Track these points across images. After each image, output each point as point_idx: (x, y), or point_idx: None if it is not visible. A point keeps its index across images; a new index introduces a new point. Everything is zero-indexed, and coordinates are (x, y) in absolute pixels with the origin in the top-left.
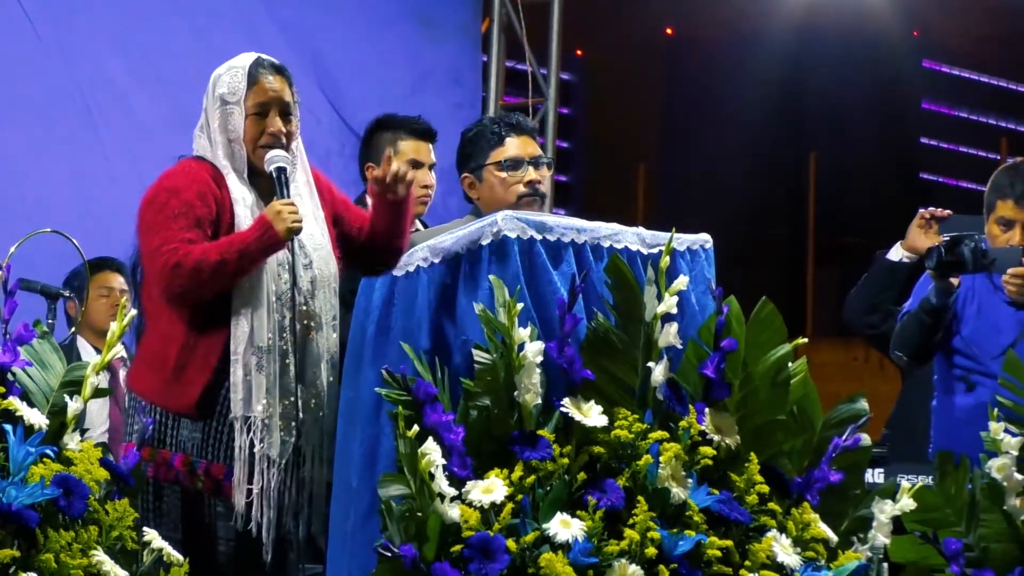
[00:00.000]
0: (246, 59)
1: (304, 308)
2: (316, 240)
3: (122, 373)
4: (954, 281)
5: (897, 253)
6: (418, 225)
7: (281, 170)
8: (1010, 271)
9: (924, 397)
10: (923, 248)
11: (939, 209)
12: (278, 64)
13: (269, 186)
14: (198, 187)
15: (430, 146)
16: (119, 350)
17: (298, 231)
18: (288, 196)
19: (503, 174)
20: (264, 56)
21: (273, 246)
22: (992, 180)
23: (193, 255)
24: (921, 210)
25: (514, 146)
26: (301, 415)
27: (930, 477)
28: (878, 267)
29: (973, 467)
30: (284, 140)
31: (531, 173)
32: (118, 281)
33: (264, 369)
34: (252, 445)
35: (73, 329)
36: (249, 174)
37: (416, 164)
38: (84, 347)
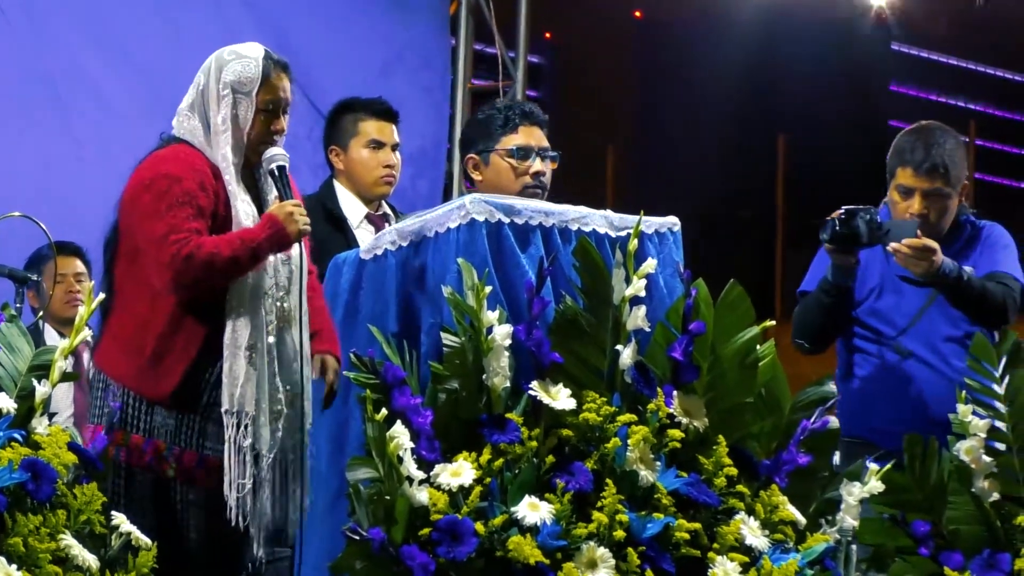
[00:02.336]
0: (256, 50)
1: (281, 304)
2: None
3: (85, 356)
4: (852, 260)
5: None
6: (385, 208)
7: (282, 168)
8: (904, 241)
9: None
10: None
11: None
12: (285, 62)
13: (253, 180)
14: (198, 176)
15: (393, 127)
16: (86, 334)
17: (308, 233)
18: (291, 195)
19: (512, 161)
20: (269, 50)
21: (283, 246)
22: (894, 144)
23: (205, 248)
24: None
25: (526, 135)
26: (284, 409)
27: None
28: None
29: (941, 448)
30: (279, 137)
31: (538, 164)
32: (73, 265)
33: (255, 364)
34: (242, 440)
35: (41, 314)
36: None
37: (378, 144)
38: (49, 332)
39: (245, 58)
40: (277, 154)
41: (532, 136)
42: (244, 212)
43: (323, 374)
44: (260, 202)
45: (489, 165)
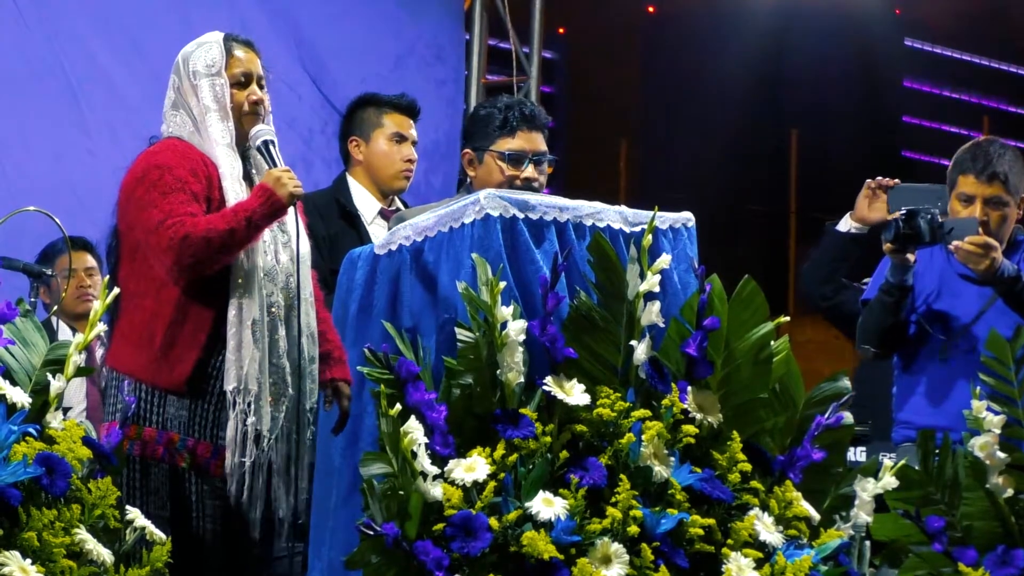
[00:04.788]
0: (215, 35)
1: (287, 285)
2: (291, 219)
3: (99, 352)
4: (910, 257)
5: (846, 224)
6: (398, 203)
7: (268, 142)
8: (966, 238)
9: (882, 376)
10: (871, 219)
11: (884, 178)
12: (247, 38)
13: (244, 164)
14: (189, 164)
15: (413, 123)
16: (101, 328)
17: (300, 196)
18: (281, 165)
19: (503, 165)
20: (229, 32)
21: (277, 212)
22: (955, 157)
23: (201, 226)
24: (868, 180)
25: (522, 140)
26: (289, 390)
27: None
28: (828, 239)
29: (955, 445)
30: (262, 110)
31: (530, 170)
32: (83, 260)
33: (258, 344)
34: (244, 419)
35: (55, 308)
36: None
37: (400, 138)
38: (61, 328)
39: (206, 43)
40: (263, 130)
41: (529, 141)
42: (234, 192)
43: (336, 400)
44: (252, 183)
45: (483, 164)
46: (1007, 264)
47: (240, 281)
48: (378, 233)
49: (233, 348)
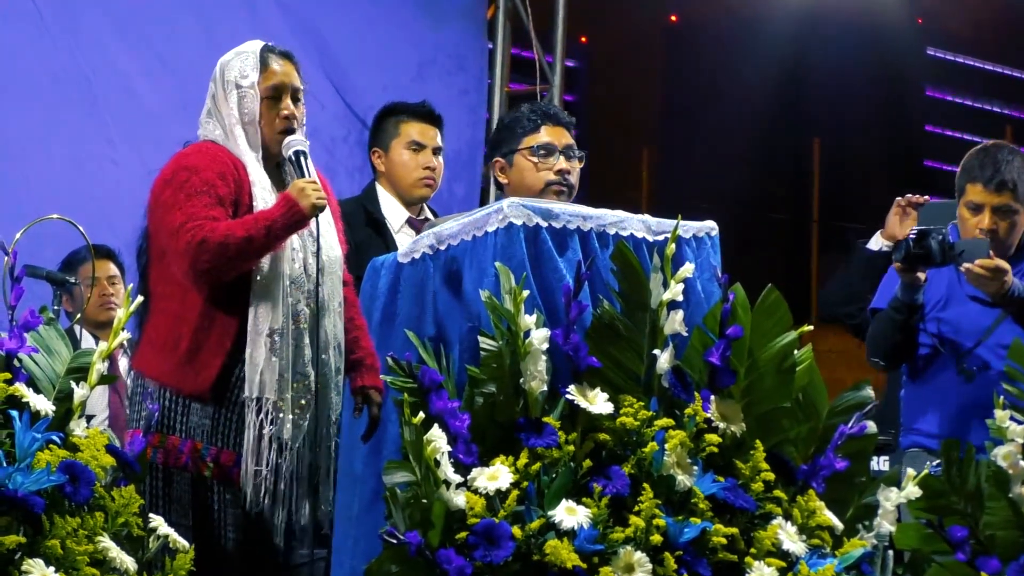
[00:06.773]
0: (254, 45)
1: (315, 293)
2: (324, 227)
3: (122, 361)
4: (920, 276)
5: (877, 242)
6: (427, 213)
7: (299, 153)
8: (977, 262)
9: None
10: (903, 236)
11: (915, 195)
12: (286, 50)
13: (278, 174)
14: (218, 167)
15: (436, 131)
16: (124, 337)
17: (323, 208)
18: (311, 175)
19: (534, 159)
20: (271, 43)
21: (299, 223)
22: (963, 163)
23: (219, 231)
24: (898, 198)
25: (548, 134)
26: (312, 399)
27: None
28: (858, 256)
29: (978, 455)
30: (295, 124)
31: (562, 162)
32: (106, 268)
33: (279, 352)
34: (262, 427)
35: (79, 316)
36: (263, 158)
37: (419, 146)
38: (84, 336)
39: (243, 53)
40: (294, 140)
41: (555, 135)
42: (263, 200)
43: (366, 407)
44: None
45: (513, 167)
46: (1017, 284)
47: (260, 288)
48: (405, 242)
49: (249, 356)
